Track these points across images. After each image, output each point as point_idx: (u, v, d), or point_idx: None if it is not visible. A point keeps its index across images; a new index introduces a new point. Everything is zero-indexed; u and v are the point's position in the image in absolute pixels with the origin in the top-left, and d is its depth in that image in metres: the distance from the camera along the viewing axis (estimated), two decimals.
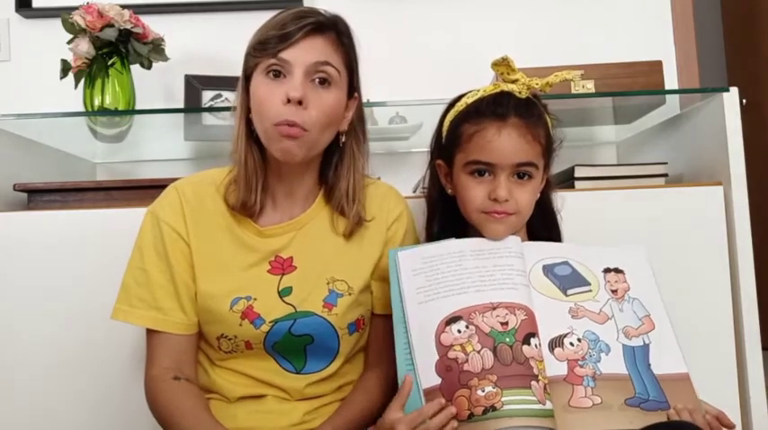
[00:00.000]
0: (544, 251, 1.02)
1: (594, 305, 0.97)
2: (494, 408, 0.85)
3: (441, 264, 0.98)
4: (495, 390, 0.86)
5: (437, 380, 0.88)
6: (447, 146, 1.07)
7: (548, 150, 1.05)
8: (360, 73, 1.08)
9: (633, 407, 0.88)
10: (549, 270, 1.00)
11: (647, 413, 0.87)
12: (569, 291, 0.98)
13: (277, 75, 0.99)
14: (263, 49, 0.99)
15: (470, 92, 1.06)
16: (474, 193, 1.01)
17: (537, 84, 1.02)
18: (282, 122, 0.97)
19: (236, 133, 1.05)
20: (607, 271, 1.01)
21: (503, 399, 0.85)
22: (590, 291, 0.98)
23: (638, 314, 0.97)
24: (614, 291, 0.99)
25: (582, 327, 0.94)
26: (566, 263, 1.01)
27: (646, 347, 0.94)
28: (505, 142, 0.99)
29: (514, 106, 1.01)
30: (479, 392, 0.86)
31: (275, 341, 1.04)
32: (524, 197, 1.01)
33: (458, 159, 1.04)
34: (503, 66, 1.03)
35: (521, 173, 1.01)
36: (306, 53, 0.99)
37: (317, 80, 1.00)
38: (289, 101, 0.97)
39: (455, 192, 1.06)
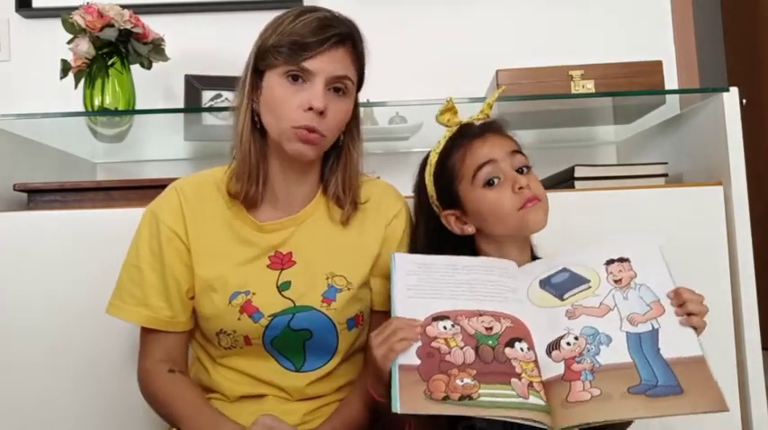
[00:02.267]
0: (542, 266, 1.03)
1: (594, 299, 0.96)
2: (470, 398, 0.84)
3: (434, 272, 0.99)
4: (473, 383, 0.86)
5: (416, 361, 0.87)
6: (444, 188, 1.07)
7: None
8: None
9: (638, 394, 0.86)
10: (545, 282, 1.00)
11: (653, 399, 0.85)
12: (566, 295, 0.98)
13: (296, 78, 1.00)
14: (282, 53, 1.00)
15: (431, 150, 1.11)
16: (500, 195, 1.03)
17: (478, 117, 1.09)
18: (302, 127, 0.99)
19: (241, 124, 1.05)
20: (610, 262, 1.00)
21: (480, 391, 0.85)
22: (589, 287, 0.98)
23: (646, 299, 0.95)
24: (618, 281, 0.98)
25: (579, 325, 0.93)
26: (563, 270, 1.01)
27: (654, 332, 0.92)
28: (492, 144, 1.05)
29: (480, 126, 1.08)
30: (458, 382, 0.86)
31: (274, 336, 1.04)
32: (538, 183, 1.05)
33: (463, 185, 1.05)
34: (447, 112, 1.10)
35: (521, 168, 1.05)
36: (327, 65, 1.00)
37: (334, 89, 1.02)
38: (311, 109, 0.99)
39: (478, 218, 1.06)
